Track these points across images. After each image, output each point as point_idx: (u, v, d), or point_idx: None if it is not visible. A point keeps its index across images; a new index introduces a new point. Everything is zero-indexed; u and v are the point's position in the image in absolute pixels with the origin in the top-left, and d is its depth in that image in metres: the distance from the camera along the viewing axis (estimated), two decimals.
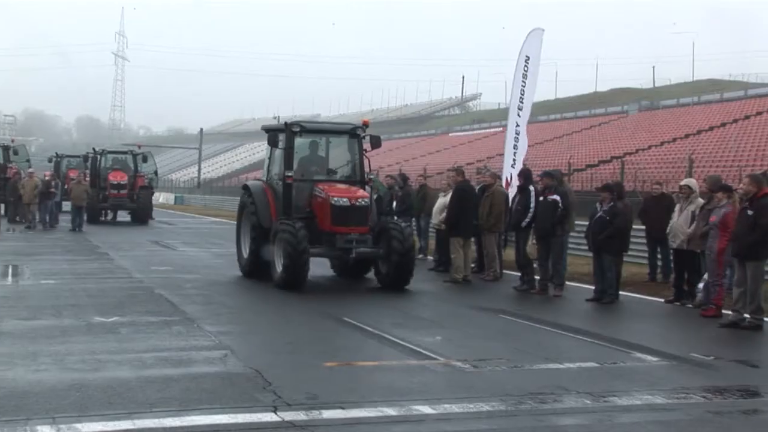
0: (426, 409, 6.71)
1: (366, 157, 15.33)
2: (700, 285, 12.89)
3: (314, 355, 8.80)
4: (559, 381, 7.89)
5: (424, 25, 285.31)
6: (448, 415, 6.62)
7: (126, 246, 22.32)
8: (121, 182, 32.97)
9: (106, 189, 32.96)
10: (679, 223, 13.31)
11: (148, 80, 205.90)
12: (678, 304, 13.33)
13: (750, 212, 11.24)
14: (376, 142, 15.39)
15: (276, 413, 6.47)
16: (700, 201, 13.20)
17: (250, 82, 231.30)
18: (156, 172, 39.06)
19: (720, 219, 11.95)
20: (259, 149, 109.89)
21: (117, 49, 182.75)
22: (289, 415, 6.42)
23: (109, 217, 34.60)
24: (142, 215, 33.38)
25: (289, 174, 14.41)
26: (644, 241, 16.75)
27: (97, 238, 24.81)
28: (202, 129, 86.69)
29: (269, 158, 15.70)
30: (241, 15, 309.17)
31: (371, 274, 15.22)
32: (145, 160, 35.30)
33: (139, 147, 39.69)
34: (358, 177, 15.27)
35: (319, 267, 15.31)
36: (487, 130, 70.14)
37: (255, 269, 14.87)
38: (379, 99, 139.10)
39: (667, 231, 13.68)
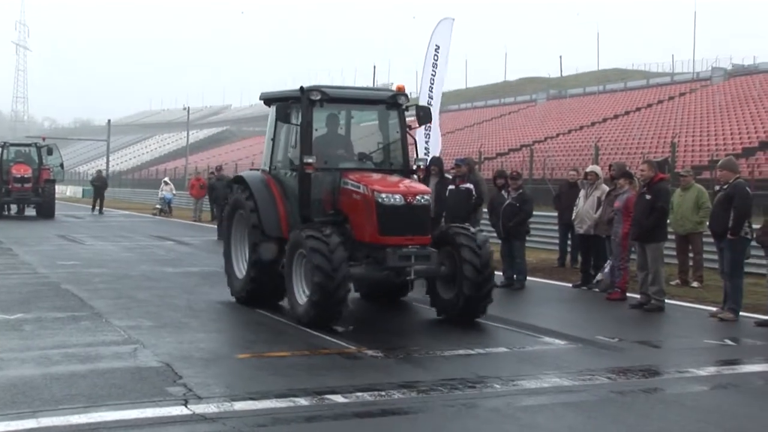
0: (338, 399, 6.73)
1: (411, 135, 11.59)
2: (605, 270, 13.23)
3: (226, 347, 8.75)
4: (470, 367, 8.03)
5: (335, 15, 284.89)
6: (361, 404, 6.65)
7: (31, 241, 21.72)
8: (25, 176, 32.09)
9: (8, 183, 32.06)
10: (586, 209, 13.65)
11: (52, 71, 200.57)
12: (585, 288, 13.68)
13: (648, 197, 11.65)
14: (425, 116, 11.50)
15: (187, 406, 6.41)
16: (605, 187, 13.57)
17: (159, 73, 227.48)
18: (62, 165, 38.15)
19: (623, 204, 12.33)
20: (170, 140, 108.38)
21: (18, 38, 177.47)
22: (200, 408, 6.36)
23: (13, 211, 33.65)
24: (47, 209, 32.53)
25: (309, 160, 10.38)
26: (555, 227, 17.11)
27: (0, 233, 24.06)
28: (110, 120, 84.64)
29: (272, 139, 11.48)
30: (148, 3, 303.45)
31: (406, 296, 11.80)
32: (50, 152, 34.48)
33: (44, 139, 38.67)
34: (401, 164, 11.27)
35: None
36: None
37: (257, 295, 11.13)
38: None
39: (573, 217, 14.02)
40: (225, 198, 23.70)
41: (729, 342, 9.68)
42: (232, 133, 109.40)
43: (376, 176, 10.50)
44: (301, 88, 10.70)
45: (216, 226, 24.26)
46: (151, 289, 12.97)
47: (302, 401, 6.65)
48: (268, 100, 11.65)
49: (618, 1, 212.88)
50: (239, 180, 11.72)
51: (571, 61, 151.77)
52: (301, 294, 9.89)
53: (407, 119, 11.42)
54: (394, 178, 10.60)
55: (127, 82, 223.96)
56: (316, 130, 10.80)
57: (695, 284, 14.06)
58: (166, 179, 40.89)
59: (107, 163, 76.20)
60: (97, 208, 38.31)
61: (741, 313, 11.00)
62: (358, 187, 10.13)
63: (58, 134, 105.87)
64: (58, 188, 40.28)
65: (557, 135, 49.24)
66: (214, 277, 14.68)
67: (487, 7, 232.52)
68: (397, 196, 9.87)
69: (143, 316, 10.36)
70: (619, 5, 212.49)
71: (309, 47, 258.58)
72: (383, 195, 9.84)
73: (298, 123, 10.69)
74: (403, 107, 11.21)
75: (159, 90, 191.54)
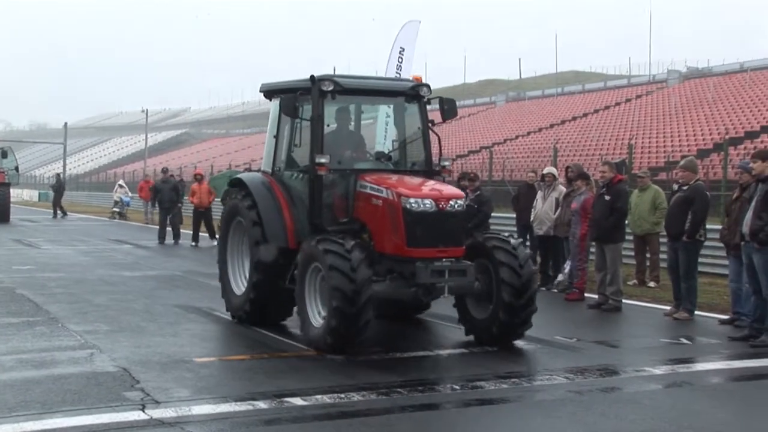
0: (297, 401, 6.71)
1: (434, 132, 10.07)
2: (565, 270, 13.34)
3: (185, 351, 8.65)
4: (430, 368, 8.08)
5: (292, 16, 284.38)
6: (320, 407, 6.63)
7: None
8: None
9: None
10: (544, 210, 13.76)
11: (7, 73, 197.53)
12: (543, 289, 13.75)
13: (607, 197, 11.78)
14: (450, 109, 9.99)
15: (144, 411, 6.35)
16: (562, 188, 13.70)
17: (116, 75, 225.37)
18: (17, 168, 37.58)
19: (580, 205, 12.45)
20: (128, 143, 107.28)
21: None
22: (157, 413, 6.30)
23: None
24: (2, 213, 31.99)
25: (322, 160, 9.15)
26: (514, 228, 17.19)
27: None
28: (66, 123, 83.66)
29: (275, 136, 10.17)
30: (107, 4, 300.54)
31: (427, 312, 10.74)
32: (4, 155, 33.98)
33: None
34: (424, 164, 10.00)
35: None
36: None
37: (259, 313, 9.87)
38: (250, 92, 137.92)
39: (532, 219, 14.12)
40: (170, 201, 23.30)
41: (684, 341, 9.81)
42: (191, 135, 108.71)
43: (399, 178, 9.27)
44: (312, 77, 9.46)
45: (158, 228, 23.98)
46: (109, 293, 12.83)
47: (261, 404, 6.62)
48: (270, 92, 10.41)
49: (576, 5, 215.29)
50: (238, 183, 10.37)
51: (530, 64, 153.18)
52: (316, 315, 8.70)
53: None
54: (420, 180, 9.35)
55: (85, 85, 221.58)
56: (328, 125, 9.66)
57: (652, 284, 14.23)
58: (121, 182, 40.30)
59: (64, 166, 75.40)
60: (59, 212, 37.79)
61: (696, 312, 11.16)
62: (380, 191, 8.89)
63: (13, 137, 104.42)
64: (14, 192, 39.68)
65: (516, 137, 49.60)
66: (173, 280, 14.62)
67: (446, 10, 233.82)
68: (428, 202, 8.66)
69: (100, 321, 10.25)
70: (577, 9, 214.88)
71: (267, 49, 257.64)
72: (411, 200, 8.61)
73: (308, 118, 9.43)
74: (425, 99, 10.02)
75: (117, 92, 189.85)
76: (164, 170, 26.26)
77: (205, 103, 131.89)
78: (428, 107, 10.05)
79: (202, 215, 22.66)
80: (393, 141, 10.17)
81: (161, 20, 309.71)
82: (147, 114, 77.14)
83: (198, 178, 22.99)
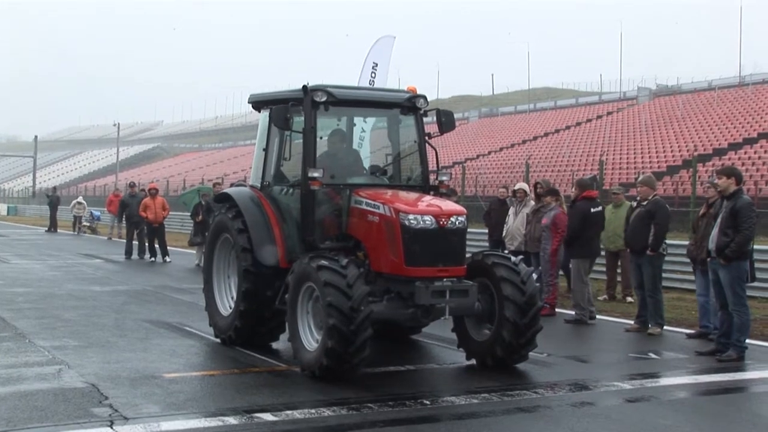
0: (268, 417, 6.69)
1: (430, 145, 9.79)
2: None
3: (154, 366, 8.60)
4: (401, 383, 8.08)
5: (265, 31, 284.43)
6: (291, 422, 6.61)
7: None
8: None
9: None
10: (516, 226, 13.83)
11: None
12: None
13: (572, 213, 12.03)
14: (448, 121, 9.74)
15: (112, 427, 6.30)
16: (533, 203, 13.79)
17: (88, 88, 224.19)
18: None
19: (551, 221, 12.56)
20: (100, 157, 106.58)
21: None
22: (126, 429, 6.26)
23: None
24: None
25: (314, 175, 8.77)
26: (487, 244, 17.27)
27: None
28: (36, 136, 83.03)
29: (265, 150, 9.76)
30: (79, 18, 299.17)
31: (423, 333, 10.48)
32: None
33: None
34: (420, 179, 9.76)
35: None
36: None
37: (248, 334, 9.45)
38: (223, 106, 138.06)
39: (504, 234, 14.19)
40: (138, 215, 22.83)
41: (652, 355, 9.90)
42: (163, 149, 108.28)
43: (395, 193, 8.89)
44: (304, 87, 9.06)
45: (125, 242, 23.75)
46: (78, 308, 12.71)
47: (231, 420, 6.59)
48: (259, 103, 10.04)
49: (548, 22, 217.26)
50: (225, 198, 10.02)
51: (503, 80, 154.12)
52: (309, 338, 8.29)
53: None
54: (417, 195, 9.05)
55: (56, 98, 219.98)
56: (321, 138, 9.31)
57: (630, 299, 14.28)
58: (80, 199, 39.48)
59: (33, 179, 74.75)
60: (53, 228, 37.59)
61: (664, 327, 11.27)
62: (376, 207, 8.52)
63: None
64: None
65: (489, 152, 49.96)
66: (143, 295, 14.52)
67: (419, 26, 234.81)
68: (428, 218, 8.26)
69: (69, 336, 10.16)
70: (549, 26, 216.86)
71: (240, 65, 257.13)
72: (410, 217, 8.22)
73: (300, 130, 8.99)
74: (422, 111, 9.72)
75: (89, 106, 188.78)
76: (131, 185, 26.02)
77: (177, 117, 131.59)
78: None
79: (155, 231, 22.20)
80: (387, 154, 9.83)
81: (134, 33, 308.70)
82: (119, 127, 76.76)
83: (152, 192, 22.44)
